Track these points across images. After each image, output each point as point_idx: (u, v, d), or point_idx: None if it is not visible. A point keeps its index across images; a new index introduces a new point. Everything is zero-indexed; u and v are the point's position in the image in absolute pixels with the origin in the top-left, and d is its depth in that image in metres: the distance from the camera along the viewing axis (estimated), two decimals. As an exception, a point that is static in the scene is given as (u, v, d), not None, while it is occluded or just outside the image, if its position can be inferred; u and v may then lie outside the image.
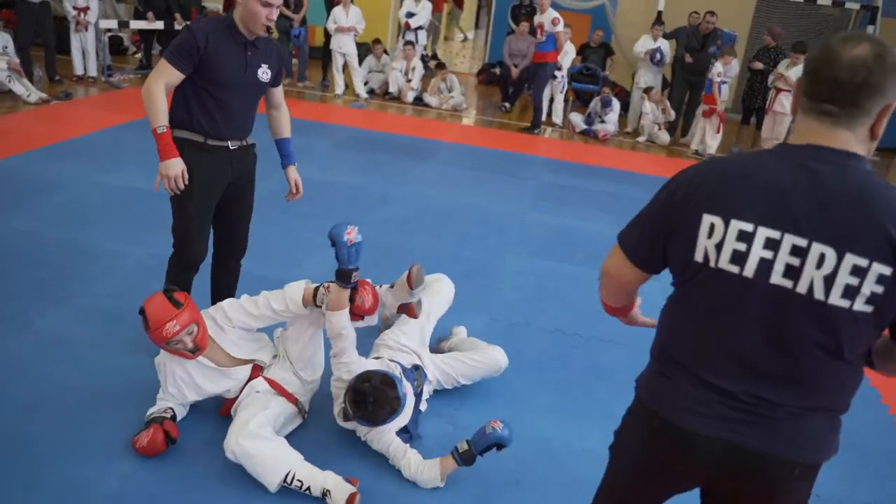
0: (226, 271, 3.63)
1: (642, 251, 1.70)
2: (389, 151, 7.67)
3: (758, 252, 1.44)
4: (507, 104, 10.61)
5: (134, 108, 7.72)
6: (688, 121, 9.82)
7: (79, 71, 9.50)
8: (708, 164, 1.58)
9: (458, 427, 3.22)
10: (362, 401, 2.74)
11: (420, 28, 10.86)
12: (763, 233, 1.44)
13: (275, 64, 3.26)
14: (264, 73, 3.20)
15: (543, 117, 10.00)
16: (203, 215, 3.28)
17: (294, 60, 10.83)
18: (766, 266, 1.44)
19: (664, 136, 9.40)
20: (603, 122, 9.57)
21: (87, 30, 9.34)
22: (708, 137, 8.87)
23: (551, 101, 9.99)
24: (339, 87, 10.28)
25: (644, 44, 9.84)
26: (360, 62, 10.62)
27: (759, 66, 8.89)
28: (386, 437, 2.93)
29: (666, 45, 9.83)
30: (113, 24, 9.55)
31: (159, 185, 3.02)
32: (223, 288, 3.61)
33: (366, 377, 2.82)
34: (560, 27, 9.06)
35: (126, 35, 11.15)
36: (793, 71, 8.20)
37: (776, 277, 1.44)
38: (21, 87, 8.16)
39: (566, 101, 10.25)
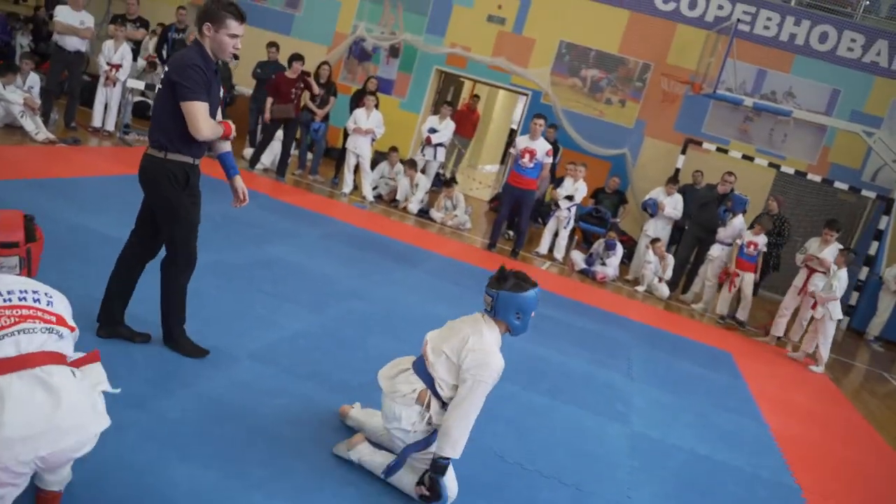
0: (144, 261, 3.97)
1: None
2: (376, 252, 7.47)
3: None
4: (510, 231, 10.49)
5: (136, 164, 7.66)
6: (690, 278, 9.60)
7: (97, 123, 9.57)
8: None
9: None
10: None
11: (441, 145, 10.94)
12: None
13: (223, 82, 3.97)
14: (220, 91, 3.74)
15: (545, 251, 9.87)
16: (199, 220, 3.82)
17: (309, 154, 10.89)
18: None
19: (664, 290, 9.15)
20: (604, 264, 9.36)
21: (114, 86, 9.47)
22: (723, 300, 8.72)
23: (555, 235, 9.86)
24: (348, 187, 10.25)
25: (655, 195, 9.81)
26: (374, 167, 10.65)
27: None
28: None
29: (679, 201, 9.77)
30: (140, 84, 9.70)
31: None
32: (137, 273, 3.93)
33: None
34: (551, 160, 9.07)
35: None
36: (827, 251, 8.00)
37: None
38: (31, 124, 8.19)
39: (571, 238, 10.11)
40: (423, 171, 10.95)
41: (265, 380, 3.97)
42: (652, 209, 9.79)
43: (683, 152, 10.81)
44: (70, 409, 2.14)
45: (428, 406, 3.17)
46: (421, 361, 3.26)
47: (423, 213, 10.30)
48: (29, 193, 6.09)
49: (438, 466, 3.07)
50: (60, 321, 2.36)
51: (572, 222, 9.85)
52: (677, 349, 7.10)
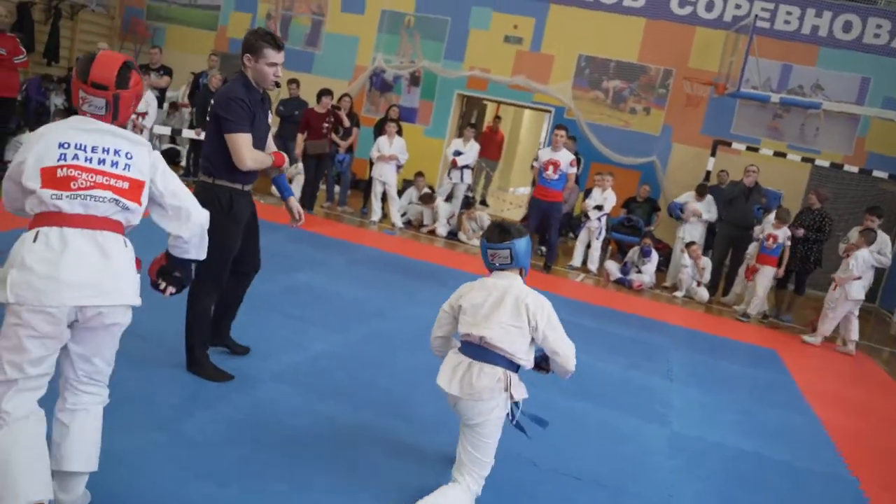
0: (245, 284, 4.23)
1: None
2: (403, 274, 7.42)
3: None
4: (543, 247, 10.36)
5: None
6: (730, 280, 9.35)
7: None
8: None
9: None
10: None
11: (467, 167, 10.92)
12: None
13: (270, 110, 3.99)
14: (268, 118, 3.95)
15: (579, 263, 9.73)
16: (237, 246, 3.92)
17: (336, 187, 10.96)
18: None
19: (703, 293, 8.91)
20: (640, 272, 9.18)
21: (141, 133, 9.67)
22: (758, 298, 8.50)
23: (588, 246, 9.72)
24: (376, 215, 10.27)
25: (683, 199, 9.64)
26: (402, 194, 10.68)
27: (800, 232, 8.44)
28: None
29: (711, 203, 9.58)
30: (166, 130, 9.89)
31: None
32: (236, 295, 4.20)
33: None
34: (575, 169, 8.95)
35: (183, 148, 11.55)
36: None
37: None
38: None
39: (605, 249, 9.96)
40: (450, 194, 10.94)
41: (287, 400, 3.93)
42: (676, 213, 9.59)
43: (713, 155, 10.61)
44: (115, 274, 2.41)
45: (507, 385, 3.08)
46: (478, 349, 3.11)
47: (452, 235, 10.26)
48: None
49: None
50: (132, 190, 2.49)
51: (604, 232, 9.69)
52: (718, 349, 6.88)
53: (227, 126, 3.67)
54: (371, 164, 10.43)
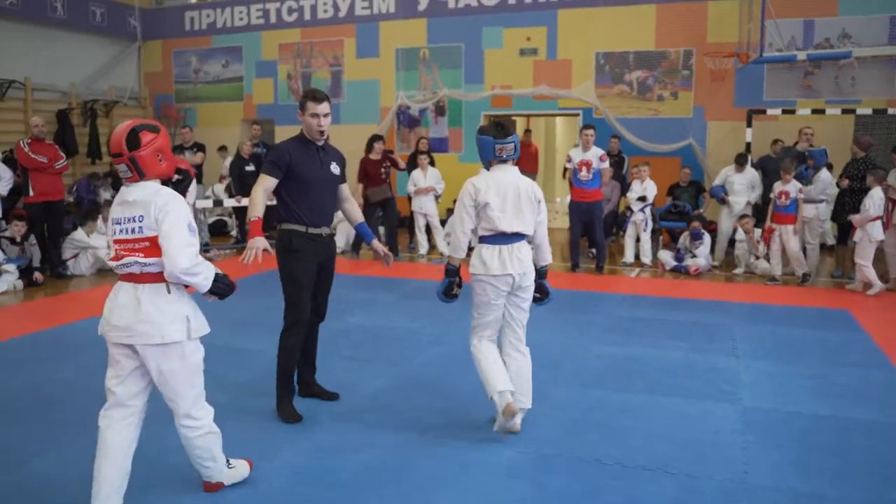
0: (312, 332, 4.43)
1: None
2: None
3: None
4: (593, 250, 10.27)
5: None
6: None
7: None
8: None
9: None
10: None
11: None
12: None
13: (340, 162, 4.32)
14: (335, 168, 4.26)
15: (631, 259, 9.60)
16: (309, 285, 4.18)
17: (381, 228, 11.09)
18: None
19: (764, 265, 8.67)
20: (694, 256, 9.00)
21: (186, 211, 10.00)
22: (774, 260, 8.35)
23: (637, 240, 9.59)
24: (423, 248, 10.35)
25: (723, 176, 9.43)
26: (445, 223, 10.74)
27: (845, 183, 8.17)
28: None
29: (754, 177, 9.36)
30: (209, 203, 10.23)
31: (244, 257, 3.73)
32: (309, 342, 4.42)
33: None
34: (607, 163, 8.87)
35: (231, 219, 11.90)
36: None
37: None
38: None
39: (655, 239, 9.80)
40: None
41: (348, 437, 3.98)
42: (719, 197, 9.36)
43: (749, 125, 10.35)
44: (145, 318, 2.92)
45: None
46: (511, 237, 3.87)
47: (502, 253, 10.23)
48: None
49: (545, 272, 4.18)
50: (152, 247, 2.91)
51: (650, 223, 9.54)
52: (785, 318, 6.67)
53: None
54: (410, 198, 10.55)
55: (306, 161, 4.10)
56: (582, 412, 4.37)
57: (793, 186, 8.10)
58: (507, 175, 3.87)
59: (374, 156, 10.08)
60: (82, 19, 13.47)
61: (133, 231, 2.92)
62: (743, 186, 9.30)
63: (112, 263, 3.00)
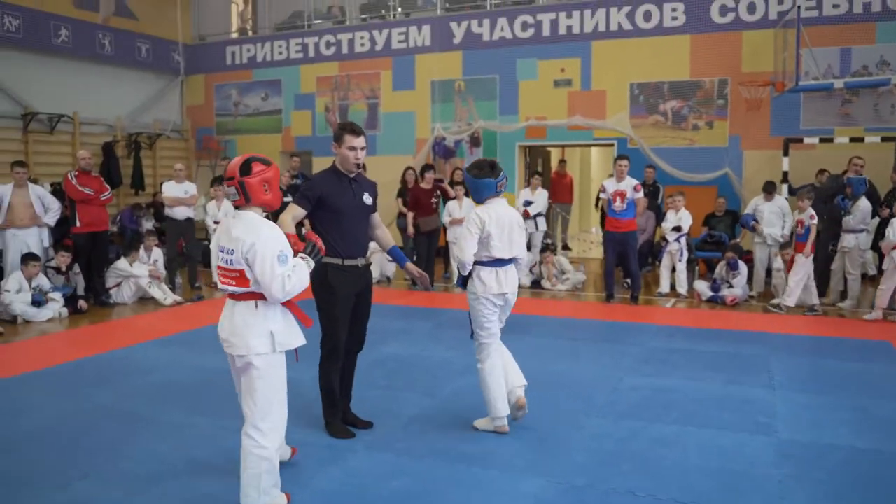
0: (350, 360, 4.54)
1: None
2: (490, 327, 7.45)
3: None
4: (628, 280, 10.22)
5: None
6: (824, 280, 8.91)
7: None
8: None
9: None
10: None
11: (539, 215, 10.99)
12: None
13: (372, 192, 4.43)
14: (367, 199, 4.36)
15: (667, 289, 9.53)
16: (345, 317, 4.31)
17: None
18: None
19: (801, 296, 8.53)
20: (730, 286, 8.90)
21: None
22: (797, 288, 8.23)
23: (673, 270, 9.53)
24: (456, 277, 10.39)
25: (753, 205, 9.37)
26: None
27: (885, 212, 8.05)
28: None
29: (785, 205, 9.29)
30: (247, 234, 10.39)
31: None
32: (346, 370, 4.52)
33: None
34: (641, 193, 8.86)
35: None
36: None
37: None
38: (159, 292, 8.97)
39: (691, 269, 9.73)
40: (528, 243, 10.98)
41: (381, 465, 4.02)
42: (749, 225, 9.29)
43: (786, 154, 10.29)
44: (236, 332, 3.30)
45: None
46: (507, 261, 4.49)
47: (536, 283, 10.26)
48: (152, 351, 6.64)
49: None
50: (241, 278, 3.28)
51: (686, 253, 9.48)
52: (824, 350, 6.58)
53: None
54: (445, 228, 10.63)
55: (339, 192, 4.22)
56: (615, 443, 4.35)
57: (808, 215, 8.05)
58: (503, 208, 4.45)
59: (426, 185, 10.19)
60: (128, 55, 13.93)
61: (228, 262, 3.28)
62: (773, 215, 9.22)
63: (218, 283, 3.38)
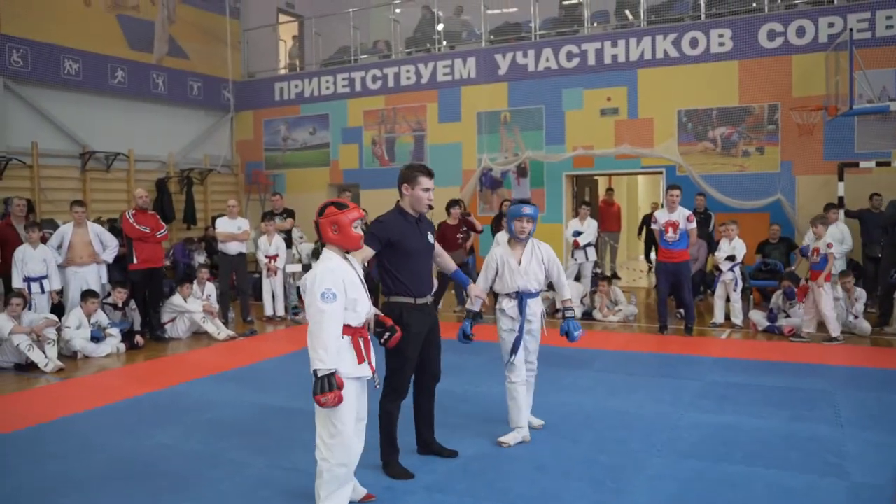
0: (428, 395, 4.66)
1: None
2: (543, 362, 7.27)
3: None
4: (681, 311, 10.07)
5: (304, 341, 8.22)
6: (886, 307, 8.65)
7: (268, 312, 10.44)
8: None
9: None
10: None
11: (589, 245, 10.93)
12: None
13: (433, 231, 4.61)
14: (430, 237, 4.51)
15: (721, 320, 9.35)
16: (414, 358, 4.39)
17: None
18: None
19: (864, 325, 8.31)
20: (787, 316, 8.70)
21: (276, 275, 10.37)
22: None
23: (727, 300, 9.35)
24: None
25: (811, 233, 9.16)
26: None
27: None
28: None
29: (844, 230, 9.07)
30: (297, 267, 10.55)
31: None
32: (425, 407, 4.67)
33: None
34: (694, 224, 8.74)
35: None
36: None
37: None
38: (213, 327, 9.10)
39: (745, 299, 9.54)
40: (578, 274, 10.92)
41: (442, 508, 3.98)
42: (806, 254, 9.08)
43: (841, 179, 10.08)
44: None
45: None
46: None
47: (587, 315, 10.15)
48: (209, 387, 6.72)
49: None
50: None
51: (740, 282, 9.30)
52: (891, 383, 6.35)
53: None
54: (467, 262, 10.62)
55: (409, 234, 4.33)
56: (679, 484, 4.25)
57: (823, 243, 7.86)
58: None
59: (452, 221, 10.22)
60: (181, 93, 14.32)
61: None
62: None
63: None
